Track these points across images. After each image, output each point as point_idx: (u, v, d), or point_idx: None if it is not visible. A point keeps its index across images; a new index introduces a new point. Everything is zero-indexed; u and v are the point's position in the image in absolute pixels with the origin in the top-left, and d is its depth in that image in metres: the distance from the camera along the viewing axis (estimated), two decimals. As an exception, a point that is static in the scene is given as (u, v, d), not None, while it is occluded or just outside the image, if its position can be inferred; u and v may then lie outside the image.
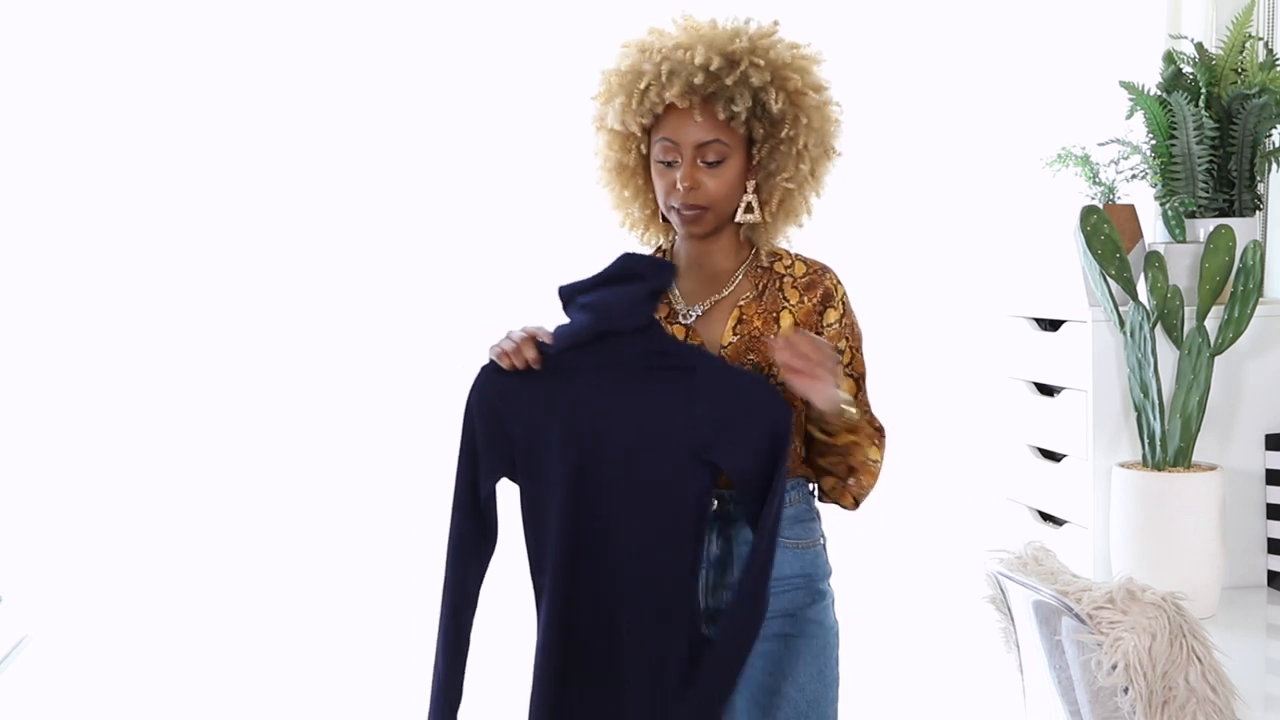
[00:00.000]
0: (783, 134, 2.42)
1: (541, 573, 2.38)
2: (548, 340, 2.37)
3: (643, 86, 2.41)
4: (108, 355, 3.80)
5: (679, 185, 2.41)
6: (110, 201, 3.79)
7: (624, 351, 2.34)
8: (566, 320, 2.40)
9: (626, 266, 2.38)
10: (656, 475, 2.33)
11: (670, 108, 2.42)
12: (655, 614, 2.32)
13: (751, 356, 2.44)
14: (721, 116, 2.40)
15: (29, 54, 3.71)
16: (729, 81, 2.38)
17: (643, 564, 2.33)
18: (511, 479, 2.41)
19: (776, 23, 2.46)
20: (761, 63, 2.39)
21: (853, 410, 2.36)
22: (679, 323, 2.48)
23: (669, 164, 2.43)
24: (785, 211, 2.49)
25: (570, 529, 2.34)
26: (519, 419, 2.37)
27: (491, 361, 2.39)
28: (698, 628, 2.33)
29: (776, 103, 2.40)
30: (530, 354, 2.35)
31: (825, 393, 2.30)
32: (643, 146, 2.48)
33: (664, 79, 2.39)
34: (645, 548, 2.33)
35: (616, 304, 2.34)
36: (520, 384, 2.37)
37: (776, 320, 2.46)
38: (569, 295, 2.40)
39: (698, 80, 2.37)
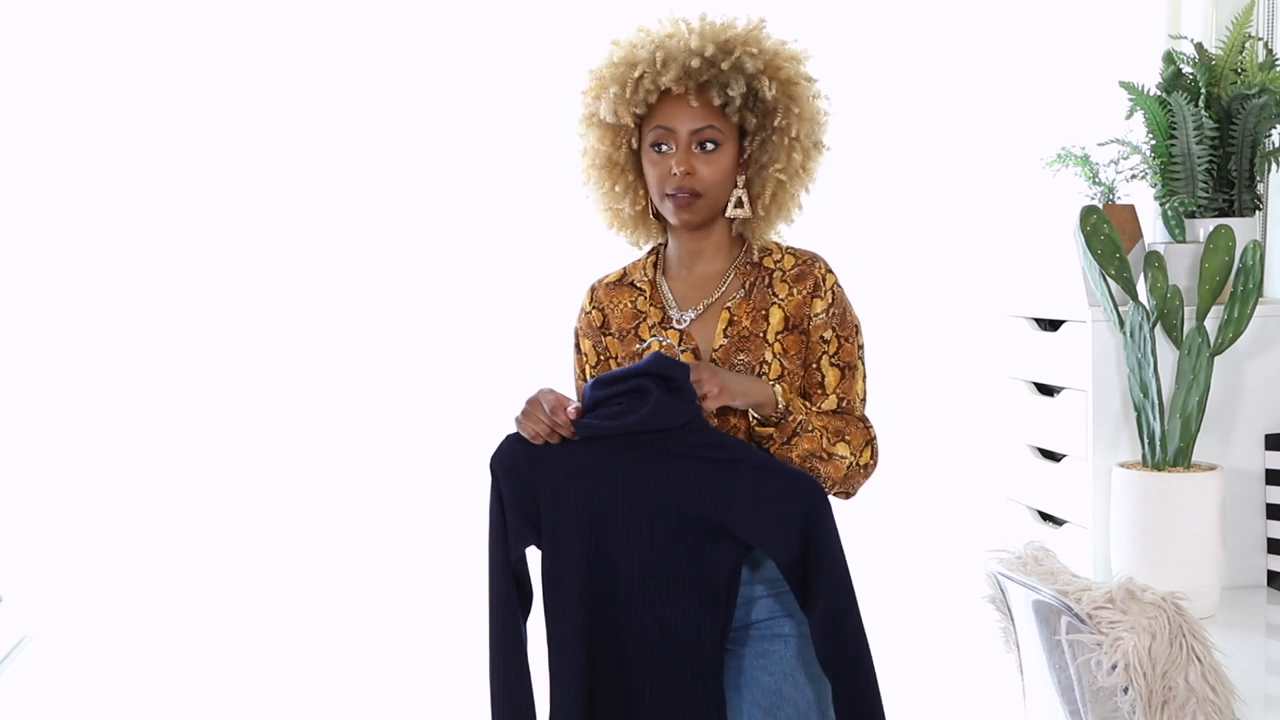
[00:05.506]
0: (775, 123, 2.42)
1: (558, 641, 2.35)
2: (574, 414, 2.31)
3: (637, 75, 2.41)
4: (108, 355, 3.80)
5: (674, 170, 2.41)
6: (110, 201, 3.79)
7: (666, 442, 2.30)
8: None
9: (657, 369, 2.31)
10: (682, 551, 2.30)
11: (664, 96, 2.42)
12: (677, 688, 2.30)
13: (742, 357, 2.43)
14: (717, 103, 2.41)
15: (29, 54, 3.71)
16: (724, 67, 2.39)
17: (665, 634, 2.31)
18: (538, 545, 2.37)
19: (763, 20, 2.47)
20: (755, 50, 2.41)
21: (777, 407, 2.36)
22: (673, 327, 2.48)
23: (662, 152, 2.43)
24: (777, 205, 2.48)
25: (589, 600, 2.32)
26: (546, 483, 2.33)
27: (518, 433, 2.35)
28: (723, 709, 2.33)
29: (770, 90, 2.40)
30: (566, 432, 2.31)
31: (735, 400, 2.33)
32: (633, 141, 2.48)
33: (659, 65, 2.40)
34: (668, 622, 2.31)
35: (653, 410, 2.28)
36: (550, 450, 2.33)
37: (766, 317, 2.45)
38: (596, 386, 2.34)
39: (694, 64, 2.38)
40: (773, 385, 2.38)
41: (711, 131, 2.42)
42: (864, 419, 2.45)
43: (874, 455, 2.45)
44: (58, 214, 3.77)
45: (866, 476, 2.45)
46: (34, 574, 3.77)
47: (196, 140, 3.80)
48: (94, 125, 3.76)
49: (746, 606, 2.42)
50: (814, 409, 2.41)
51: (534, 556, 2.39)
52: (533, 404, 2.33)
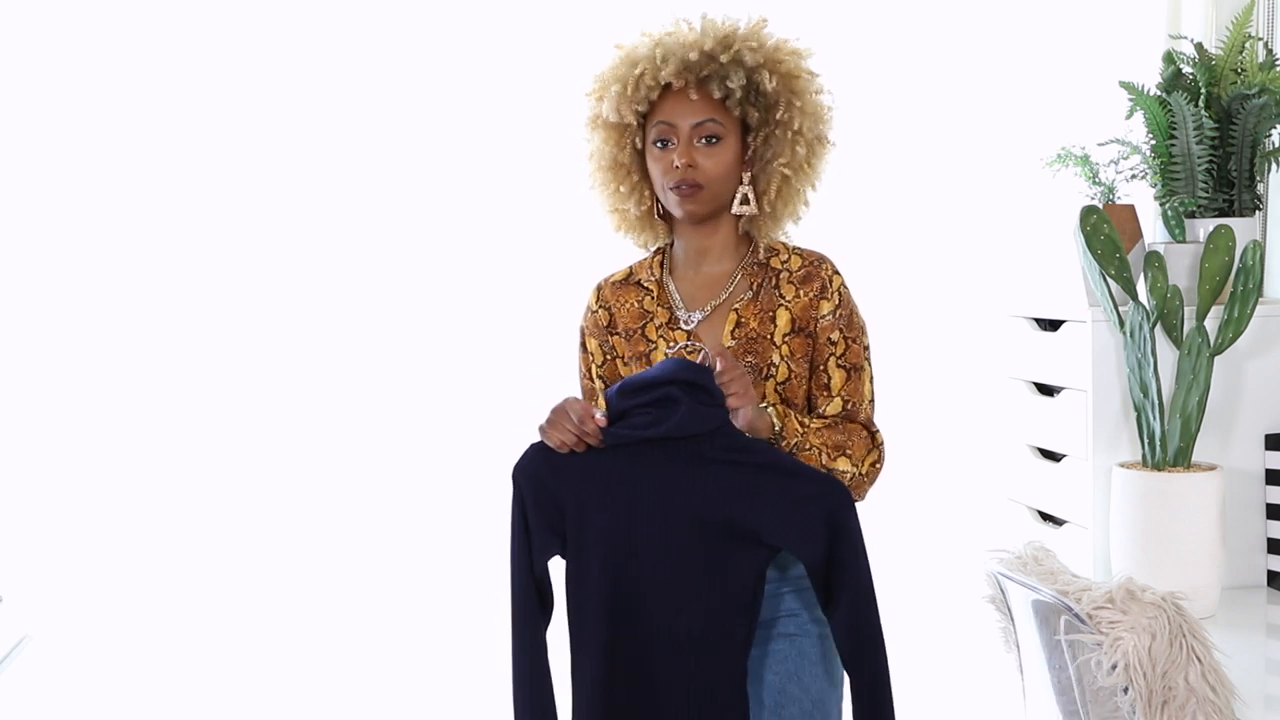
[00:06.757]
0: (777, 117, 2.43)
1: (582, 649, 2.34)
2: (602, 423, 2.30)
3: (638, 72, 2.42)
4: (108, 355, 3.80)
5: (676, 164, 2.41)
6: (110, 201, 3.79)
7: (693, 447, 2.29)
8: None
9: (677, 375, 2.29)
10: (706, 557, 2.29)
11: (665, 91, 2.43)
12: (702, 694, 2.29)
13: (750, 358, 2.43)
14: (717, 96, 2.41)
15: (29, 54, 3.71)
16: (723, 60, 2.40)
17: (689, 641, 2.30)
18: (562, 555, 2.35)
19: (764, 19, 2.47)
20: (755, 45, 2.42)
21: (773, 429, 2.35)
22: (680, 328, 2.48)
23: (665, 146, 2.43)
24: (783, 201, 2.48)
25: (613, 606, 2.31)
26: (570, 491, 2.32)
27: (543, 442, 2.33)
28: (745, 711, 2.32)
29: (770, 83, 2.41)
30: (594, 441, 2.30)
31: (743, 414, 2.31)
32: (638, 140, 2.49)
33: (659, 61, 2.41)
34: (691, 630, 2.30)
35: (684, 418, 2.27)
36: (574, 458, 2.31)
37: (773, 319, 2.45)
38: (619, 394, 2.33)
39: (693, 57, 2.39)
40: (767, 408, 2.37)
41: (712, 125, 2.42)
42: (868, 424, 2.45)
43: (880, 460, 2.44)
44: (58, 214, 3.76)
45: (873, 481, 2.45)
46: (34, 574, 3.77)
47: (203, 142, 3.80)
48: (94, 126, 3.76)
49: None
50: (812, 426, 2.40)
51: (555, 564, 2.37)
52: (559, 413, 2.32)
